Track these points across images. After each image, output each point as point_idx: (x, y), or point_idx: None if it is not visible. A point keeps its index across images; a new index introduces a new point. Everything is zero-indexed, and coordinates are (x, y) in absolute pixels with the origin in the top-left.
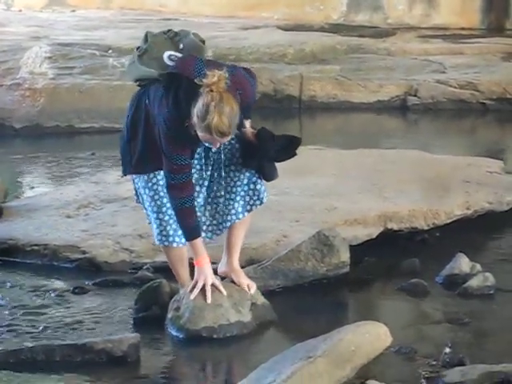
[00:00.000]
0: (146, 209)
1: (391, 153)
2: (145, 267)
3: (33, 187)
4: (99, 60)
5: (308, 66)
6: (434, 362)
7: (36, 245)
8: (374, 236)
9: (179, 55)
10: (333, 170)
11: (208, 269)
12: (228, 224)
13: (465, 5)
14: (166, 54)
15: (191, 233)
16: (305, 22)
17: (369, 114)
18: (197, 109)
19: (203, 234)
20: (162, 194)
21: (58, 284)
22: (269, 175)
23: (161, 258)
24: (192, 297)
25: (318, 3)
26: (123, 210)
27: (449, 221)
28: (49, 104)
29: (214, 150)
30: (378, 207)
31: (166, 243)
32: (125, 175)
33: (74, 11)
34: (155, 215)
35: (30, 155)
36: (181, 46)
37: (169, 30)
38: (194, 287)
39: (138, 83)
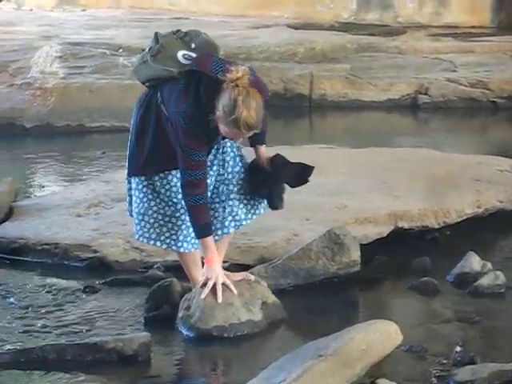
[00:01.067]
0: (143, 212)
1: (402, 151)
2: (155, 266)
3: (43, 186)
4: (110, 59)
5: (318, 64)
6: (445, 361)
7: (47, 244)
8: (385, 235)
9: (193, 54)
10: (343, 169)
11: (218, 267)
12: (231, 229)
13: (475, 3)
14: (180, 53)
15: (203, 230)
16: (315, 20)
17: (379, 113)
18: (222, 103)
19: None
20: (179, 196)
21: (69, 283)
22: (276, 203)
23: (171, 257)
24: (203, 296)
25: (328, 2)
26: None
27: (459, 219)
28: (59, 103)
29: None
30: (389, 206)
31: (174, 247)
32: (130, 177)
33: (84, 10)
34: (167, 218)
35: (41, 154)
36: (193, 45)
37: (178, 31)
38: (204, 285)
39: (147, 84)
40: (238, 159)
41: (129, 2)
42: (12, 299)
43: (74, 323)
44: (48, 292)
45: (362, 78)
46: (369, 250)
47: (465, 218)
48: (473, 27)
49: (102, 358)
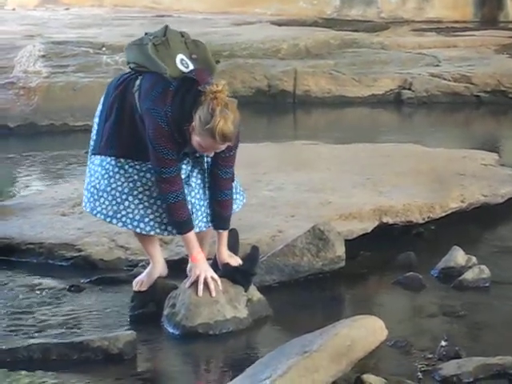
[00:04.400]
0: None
1: (386, 147)
2: (140, 264)
3: (27, 186)
4: (93, 58)
5: (302, 61)
6: (430, 355)
7: (31, 243)
8: (369, 230)
9: (190, 64)
10: (327, 165)
11: (204, 263)
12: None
13: None
14: (179, 56)
15: (184, 226)
16: (298, 17)
17: (363, 109)
18: (200, 113)
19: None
20: (135, 177)
21: (54, 282)
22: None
23: None
24: (200, 293)
25: None
26: None
27: (444, 214)
28: (43, 102)
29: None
30: (373, 201)
31: (130, 226)
32: (91, 155)
33: (67, 9)
34: (125, 196)
35: (25, 154)
36: (194, 56)
37: (185, 34)
38: (192, 283)
39: (132, 66)
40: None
41: (112, 0)
42: None
43: (59, 323)
44: (33, 291)
45: (346, 73)
46: (353, 245)
47: (449, 212)
48: (456, 22)
49: (88, 357)
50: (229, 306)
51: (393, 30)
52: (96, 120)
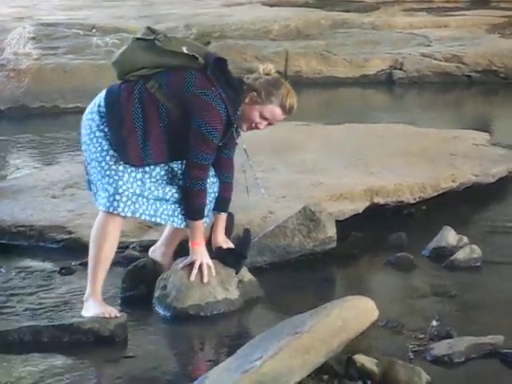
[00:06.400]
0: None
1: (377, 127)
2: (131, 246)
3: (18, 168)
4: (83, 39)
5: (293, 41)
6: (422, 335)
7: (22, 226)
8: (361, 211)
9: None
10: (319, 146)
11: (204, 249)
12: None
13: None
14: (184, 48)
15: (200, 213)
16: None
17: (354, 89)
18: (262, 83)
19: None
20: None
21: (45, 265)
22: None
23: (148, 236)
24: (192, 278)
25: None
26: None
27: (435, 194)
28: (33, 85)
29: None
30: (364, 182)
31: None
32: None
33: None
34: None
35: (16, 136)
36: (184, 47)
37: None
38: (185, 266)
39: (145, 71)
40: None
41: None
42: None
43: (50, 305)
44: (23, 274)
45: (337, 54)
46: (345, 226)
47: (440, 192)
48: (447, 1)
49: (79, 339)
50: (220, 287)
51: (384, 11)
52: (111, 131)
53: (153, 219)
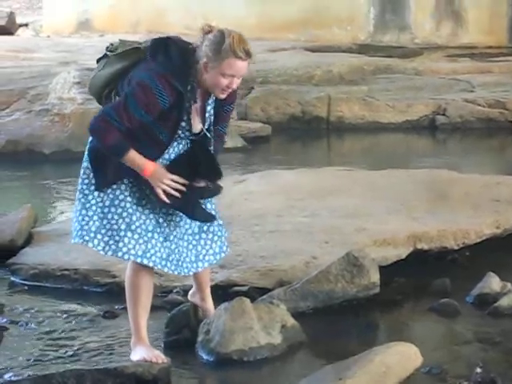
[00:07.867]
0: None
1: (420, 173)
2: (175, 290)
3: (62, 212)
4: None
5: (335, 87)
6: (466, 382)
7: (66, 269)
8: (404, 256)
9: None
10: (361, 191)
11: (159, 169)
12: (206, 264)
13: (493, 23)
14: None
15: (120, 146)
16: (332, 43)
17: (397, 135)
18: (206, 45)
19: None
20: (130, 210)
21: (89, 309)
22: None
23: (190, 281)
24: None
25: (346, 24)
26: None
27: (479, 240)
28: (78, 129)
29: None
30: (407, 227)
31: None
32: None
33: (102, 36)
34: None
35: (60, 180)
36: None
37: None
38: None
39: (107, 90)
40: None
41: (146, 26)
42: (32, 325)
43: (94, 349)
44: (67, 318)
45: (380, 99)
46: (388, 271)
47: (484, 238)
48: (490, 47)
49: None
50: (263, 332)
51: (426, 56)
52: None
53: (165, 269)
